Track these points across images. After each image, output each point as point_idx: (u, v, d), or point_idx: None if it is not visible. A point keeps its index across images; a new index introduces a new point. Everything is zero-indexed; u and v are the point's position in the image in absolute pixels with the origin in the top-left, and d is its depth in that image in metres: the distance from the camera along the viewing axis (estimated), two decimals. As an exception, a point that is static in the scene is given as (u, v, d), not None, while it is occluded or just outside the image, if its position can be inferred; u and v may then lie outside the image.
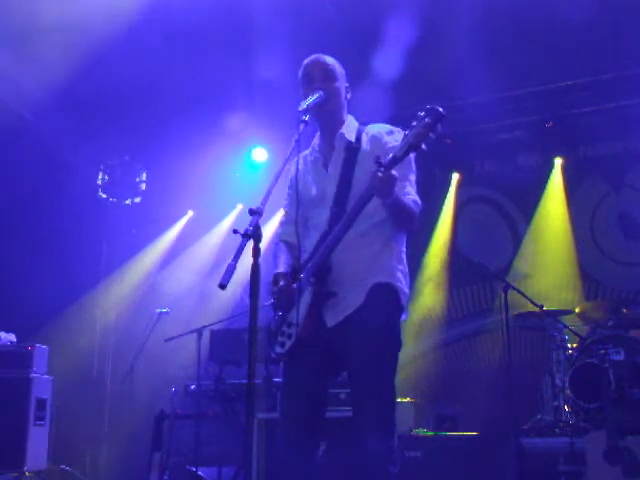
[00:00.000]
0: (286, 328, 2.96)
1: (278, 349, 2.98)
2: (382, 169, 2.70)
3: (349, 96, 3.19)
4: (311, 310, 2.91)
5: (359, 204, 2.83)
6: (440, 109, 2.69)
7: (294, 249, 3.06)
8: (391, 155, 2.74)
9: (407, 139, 2.72)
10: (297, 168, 3.06)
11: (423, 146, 2.70)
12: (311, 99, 2.93)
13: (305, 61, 3.15)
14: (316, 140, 3.22)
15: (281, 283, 2.99)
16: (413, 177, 3.03)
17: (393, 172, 2.72)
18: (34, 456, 5.69)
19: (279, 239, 3.24)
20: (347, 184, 3.01)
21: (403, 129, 2.90)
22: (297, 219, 3.01)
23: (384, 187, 2.73)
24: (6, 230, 6.82)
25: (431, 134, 2.68)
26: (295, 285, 2.97)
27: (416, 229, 3.04)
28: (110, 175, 8.51)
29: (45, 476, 5.71)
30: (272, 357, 3.02)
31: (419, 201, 2.99)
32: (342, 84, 3.14)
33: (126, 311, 7.91)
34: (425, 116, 2.69)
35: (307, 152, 3.19)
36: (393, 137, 3.02)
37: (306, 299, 2.92)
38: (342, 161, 3.07)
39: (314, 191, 3.11)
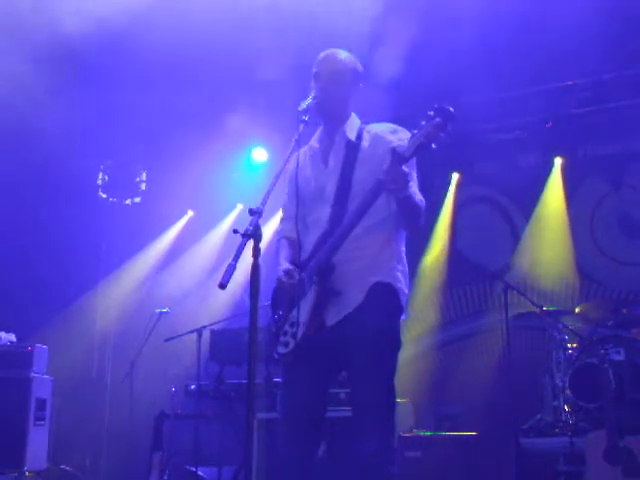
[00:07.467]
0: (289, 328, 2.95)
1: (281, 349, 2.96)
2: (396, 166, 2.69)
3: (358, 94, 3.14)
4: (315, 309, 2.90)
5: (366, 203, 2.82)
6: (450, 108, 2.65)
7: (296, 245, 3.05)
8: (399, 152, 2.72)
9: (416, 138, 2.69)
10: (297, 164, 3.04)
11: (433, 145, 2.68)
12: (310, 100, 2.94)
13: (320, 55, 3.12)
14: (317, 135, 3.20)
15: (285, 271, 2.97)
16: (415, 175, 3.02)
17: (404, 167, 2.71)
18: (34, 456, 5.69)
19: (281, 235, 3.23)
20: (348, 182, 3.00)
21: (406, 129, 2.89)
22: (297, 216, 3.01)
23: (398, 183, 2.72)
24: (6, 230, 6.82)
25: (442, 134, 2.65)
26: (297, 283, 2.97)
27: (421, 226, 3.03)
28: (110, 175, 8.51)
29: (45, 476, 5.72)
30: (275, 357, 3.01)
31: (423, 199, 2.99)
32: (350, 83, 3.10)
33: (126, 311, 7.91)
34: (435, 115, 2.65)
35: (306, 148, 3.16)
36: (397, 136, 2.99)
37: (310, 298, 2.91)
38: (342, 158, 3.05)
39: (312, 186, 3.09)
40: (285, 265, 3.02)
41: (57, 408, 6.38)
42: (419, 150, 2.70)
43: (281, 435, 2.99)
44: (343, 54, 3.13)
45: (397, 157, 2.70)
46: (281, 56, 5.69)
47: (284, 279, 2.96)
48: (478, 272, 7.13)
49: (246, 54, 6.00)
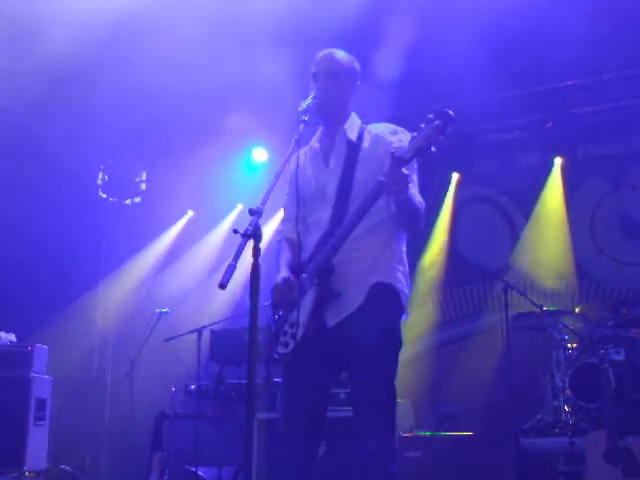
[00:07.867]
0: (289, 328, 2.95)
1: (281, 349, 2.95)
2: (396, 169, 2.68)
3: (357, 93, 3.14)
4: (314, 310, 2.90)
5: (366, 204, 2.82)
6: (450, 111, 2.64)
7: (296, 246, 3.05)
8: (399, 155, 2.71)
9: (416, 141, 2.68)
10: (297, 164, 3.04)
11: (433, 149, 2.67)
12: (310, 100, 2.94)
13: (318, 55, 3.12)
14: (318, 135, 3.20)
15: (283, 280, 2.96)
16: (415, 178, 3.01)
17: (404, 170, 2.70)
18: (34, 456, 5.69)
19: (281, 236, 3.23)
20: (348, 182, 3.00)
21: (406, 130, 2.89)
22: (297, 216, 3.01)
23: (398, 186, 2.71)
24: (6, 230, 6.82)
25: (441, 137, 2.64)
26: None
27: (421, 228, 3.03)
28: (110, 175, 8.52)
29: (45, 476, 5.72)
30: (275, 357, 3.01)
31: (423, 201, 2.98)
32: (349, 83, 3.10)
33: (126, 311, 7.91)
34: (435, 118, 2.64)
35: (306, 148, 3.16)
36: (397, 137, 2.99)
37: (309, 299, 2.91)
38: (343, 158, 3.05)
39: (313, 186, 3.09)
40: (284, 273, 3.00)
41: (57, 408, 6.38)
42: (419, 153, 2.69)
43: (281, 435, 2.99)
44: (340, 54, 3.12)
45: (397, 159, 2.70)
46: (281, 56, 5.69)
47: (280, 287, 2.94)
48: (478, 272, 7.13)
49: (246, 54, 6.01)
